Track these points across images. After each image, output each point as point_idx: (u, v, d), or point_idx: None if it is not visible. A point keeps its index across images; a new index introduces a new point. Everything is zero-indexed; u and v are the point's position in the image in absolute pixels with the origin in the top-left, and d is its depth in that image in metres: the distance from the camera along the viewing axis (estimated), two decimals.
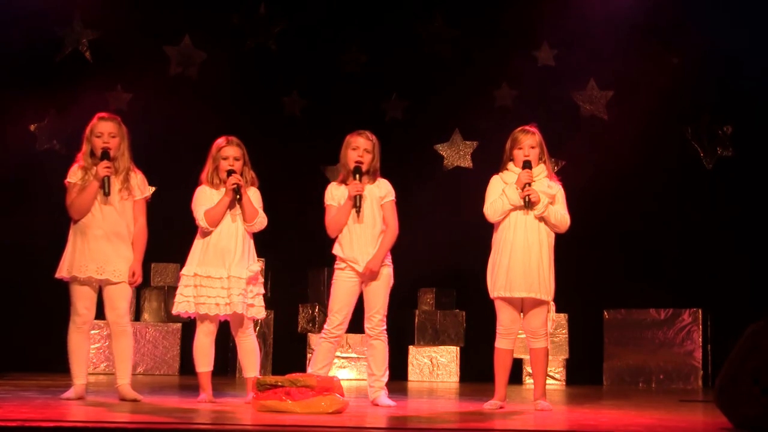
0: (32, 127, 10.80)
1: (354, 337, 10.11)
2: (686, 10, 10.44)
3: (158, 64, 10.90)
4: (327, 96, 11.04)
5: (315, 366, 6.28)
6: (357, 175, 6.28)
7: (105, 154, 6.22)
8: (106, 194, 6.20)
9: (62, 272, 6.23)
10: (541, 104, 10.37)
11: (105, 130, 6.27)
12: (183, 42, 11.06)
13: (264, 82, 11.05)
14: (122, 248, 6.25)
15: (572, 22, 10.55)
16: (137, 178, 6.37)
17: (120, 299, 6.25)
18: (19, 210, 10.24)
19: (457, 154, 11.31)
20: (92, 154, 6.29)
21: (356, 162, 6.30)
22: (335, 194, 6.38)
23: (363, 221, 6.30)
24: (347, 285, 6.30)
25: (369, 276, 6.25)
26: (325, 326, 6.34)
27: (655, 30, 10.53)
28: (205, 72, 11.05)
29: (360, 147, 6.33)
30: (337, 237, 6.36)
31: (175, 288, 10.40)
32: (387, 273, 6.35)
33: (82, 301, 6.20)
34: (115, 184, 6.24)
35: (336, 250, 6.35)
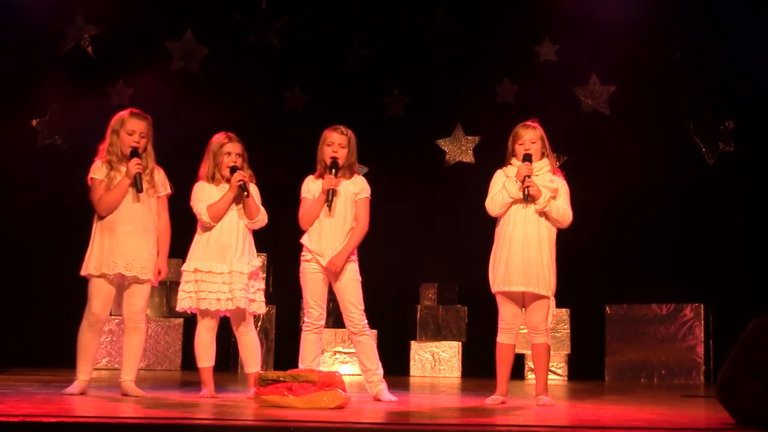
0: (34, 122, 10.81)
1: None
2: (688, 5, 10.44)
3: (160, 59, 10.91)
4: (329, 91, 11.04)
5: (305, 360, 6.26)
6: (333, 170, 6.26)
7: (134, 153, 6.17)
8: (139, 191, 6.14)
9: (89, 269, 6.12)
10: (543, 99, 10.37)
11: (137, 129, 6.19)
12: (185, 37, 11.07)
13: (266, 77, 11.05)
14: (150, 244, 6.22)
15: (574, 17, 10.55)
16: (160, 175, 6.34)
17: (140, 297, 6.22)
18: (21, 205, 10.25)
19: (459, 149, 11.32)
20: (119, 150, 6.21)
21: (331, 157, 6.29)
22: (311, 188, 6.37)
23: (334, 216, 6.28)
24: (315, 277, 6.29)
25: (332, 271, 6.22)
26: (305, 319, 6.32)
27: (656, 25, 10.52)
28: (207, 67, 11.05)
29: (335, 142, 6.30)
30: (307, 230, 6.35)
31: (176, 283, 10.53)
32: (352, 268, 6.29)
33: (100, 299, 6.13)
34: (143, 182, 6.20)
35: (304, 240, 6.33)
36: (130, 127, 6.20)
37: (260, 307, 6.38)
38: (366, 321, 6.29)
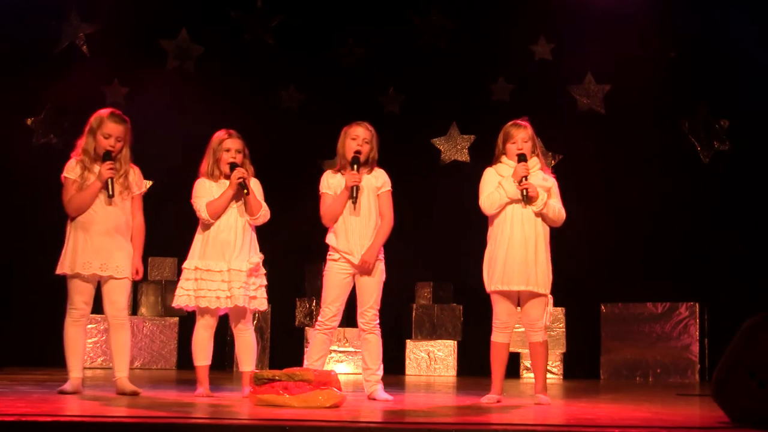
0: (29, 121, 10.79)
1: (351, 331, 10.12)
2: (683, 3, 10.45)
3: (155, 57, 10.89)
4: (324, 90, 11.03)
5: (311, 358, 6.26)
6: (355, 166, 6.25)
7: (107, 156, 6.13)
8: (111, 196, 6.12)
9: (64, 268, 6.14)
10: (538, 98, 10.37)
11: (114, 133, 6.16)
12: (180, 36, 11.05)
13: (261, 76, 11.04)
14: (124, 244, 6.21)
15: (569, 16, 10.56)
16: (135, 175, 6.32)
17: (120, 294, 6.22)
18: (15, 204, 10.23)
19: (454, 147, 11.32)
20: (93, 150, 6.20)
21: (355, 152, 6.27)
22: (331, 183, 6.34)
23: (359, 213, 6.26)
24: (340, 277, 6.27)
25: (364, 269, 6.22)
26: (319, 318, 6.31)
27: (652, 24, 10.53)
28: (203, 66, 11.04)
29: (359, 137, 6.29)
30: (331, 227, 6.33)
31: (172, 282, 10.53)
32: (380, 267, 6.31)
33: (81, 295, 6.16)
34: (116, 185, 6.18)
35: (330, 239, 6.30)
36: (107, 131, 6.15)
37: (261, 303, 6.37)
38: (378, 321, 6.29)
